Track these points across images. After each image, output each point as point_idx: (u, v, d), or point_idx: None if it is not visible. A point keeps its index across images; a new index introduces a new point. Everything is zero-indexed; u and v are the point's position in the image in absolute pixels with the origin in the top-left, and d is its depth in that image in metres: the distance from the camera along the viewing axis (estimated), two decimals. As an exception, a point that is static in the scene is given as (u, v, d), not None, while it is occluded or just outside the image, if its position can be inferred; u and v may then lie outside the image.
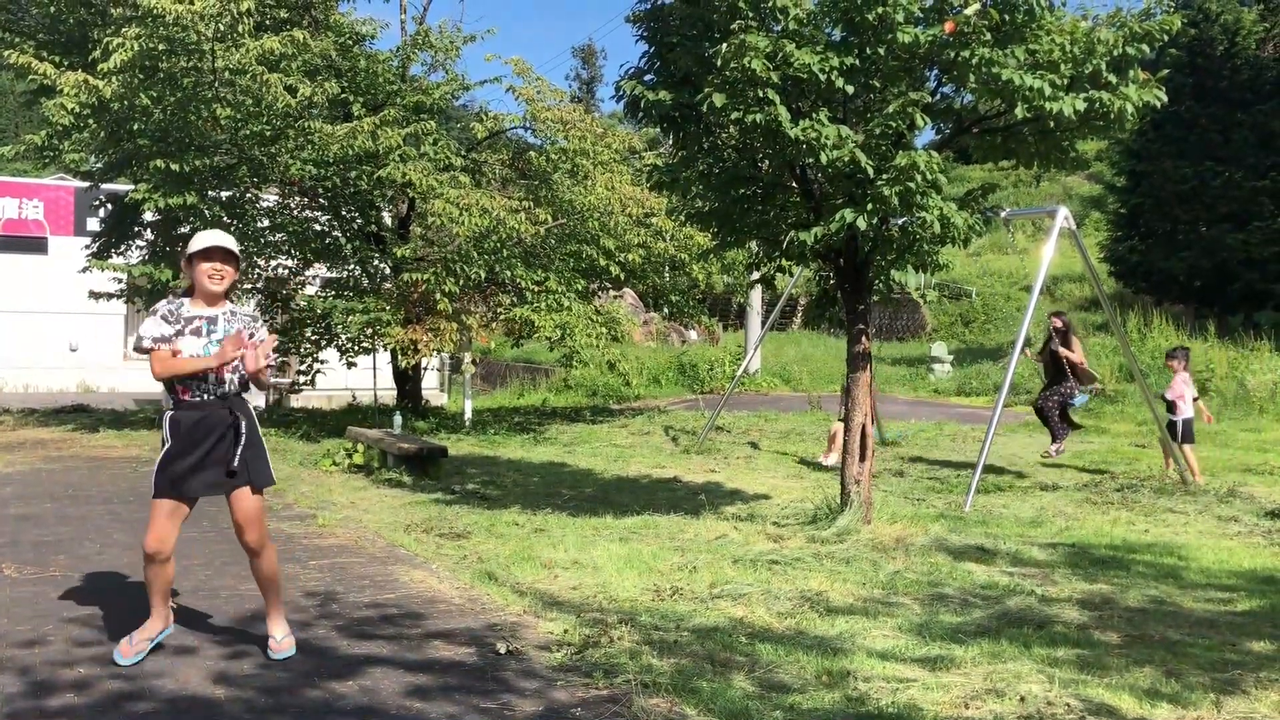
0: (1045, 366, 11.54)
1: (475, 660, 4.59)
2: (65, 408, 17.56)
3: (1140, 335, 21.63)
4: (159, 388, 4.56)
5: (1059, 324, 11.18)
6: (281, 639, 4.68)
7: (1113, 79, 6.86)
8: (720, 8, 6.85)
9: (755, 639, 4.90)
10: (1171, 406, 10.92)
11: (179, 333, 4.47)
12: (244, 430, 4.54)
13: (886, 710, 3.99)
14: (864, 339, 7.77)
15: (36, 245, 28.61)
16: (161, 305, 4.58)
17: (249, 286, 16.12)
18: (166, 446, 4.49)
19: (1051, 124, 7.01)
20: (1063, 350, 11.14)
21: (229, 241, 4.57)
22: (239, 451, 4.50)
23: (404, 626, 5.14)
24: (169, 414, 4.53)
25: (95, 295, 17.18)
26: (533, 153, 16.19)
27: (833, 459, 11.67)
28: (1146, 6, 7.12)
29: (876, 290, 7.91)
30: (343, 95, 15.03)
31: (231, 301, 4.69)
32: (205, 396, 4.50)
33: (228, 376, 4.53)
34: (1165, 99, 6.99)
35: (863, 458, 7.67)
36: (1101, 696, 4.16)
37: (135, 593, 5.62)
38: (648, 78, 7.75)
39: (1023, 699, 4.09)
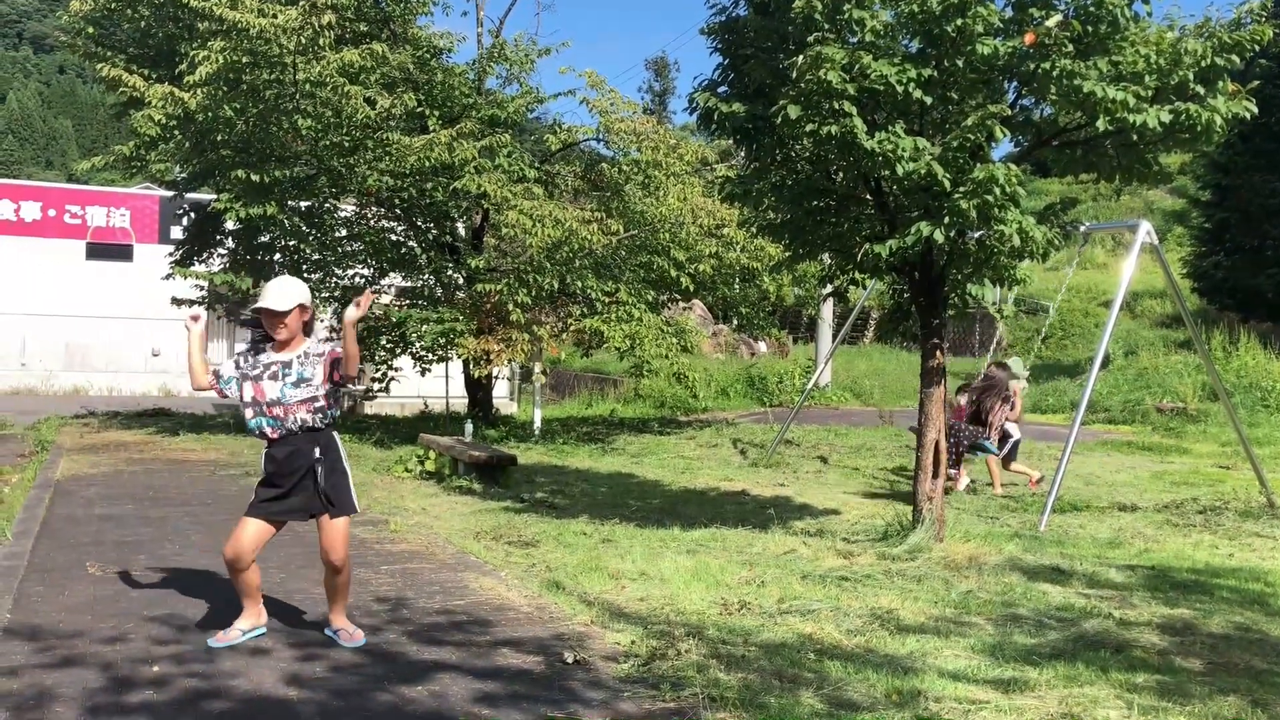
0: (968, 404, 11.23)
1: (543, 669, 4.61)
2: (147, 411, 18.04)
3: (1225, 354, 21.05)
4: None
5: (995, 372, 11.09)
6: (353, 630, 5.03)
7: (1200, 90, 6.69)
8: (796, 20, 6.81)
9: (824, 656, 4.84)
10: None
11: (257, 378, 4.86)
12: (329, 462, 4.93)
13: (958, 732, 3.92)
14: (938, 354, 7.65)
15: (123, 253, 29.47)
16: (241, 348, 5.11)
17: (326, 295, 16.41)
18: (263, 476, 4.96)
19: (1134, 137, 6.86)
20: (995, 412, 10.96)
21: (273, 300, 4.87)
22: (322, 484, 4.89)
23: (473, 633, 5.17)
24: (264, 450, 4.97)
25: (178, 302, 17.61)
26: (605, 164, 16.27)
27: (963, 483, 11.37)
28: (1236, 16, 6.92)
29: (952, 304, 7.79)
30: (419, 108, 15.25)
31: (311, 339, 5.00)
32: (288, 433, 4.88)
33: (303, 415, 4.87)
34: (1255, 111, 6.79)
35: (935, 474, 7.55)
36: (1183, 725, 4.04)
37: (213, 594, 5.75)
38: (721, 90, 7.75)
39: (1100, 725, 3.99)
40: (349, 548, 5.03)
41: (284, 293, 4.89)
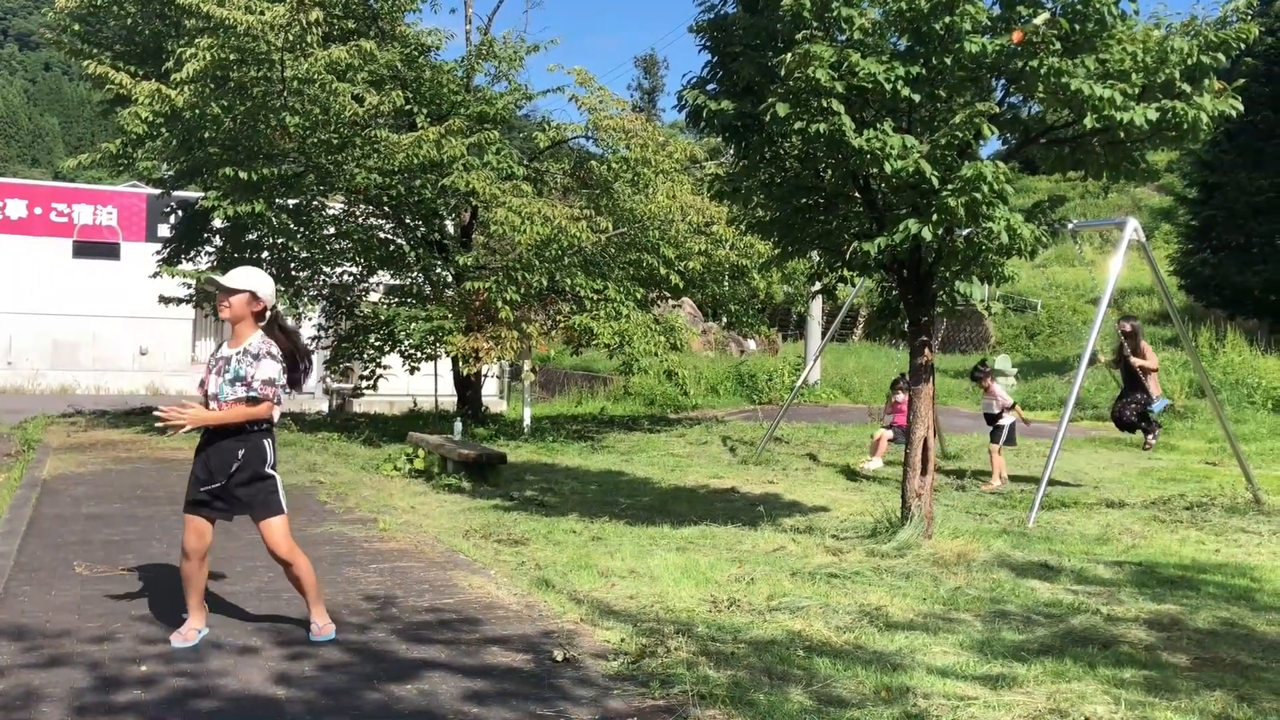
0: (1120, 375, 11.28)
1: (532, 667, 4.61)
2: (135, 409, 17.94)
3: (1212, 350, 21.13)
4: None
5: (1128, 328, 10.90)
6: (322, 625, 5.01)
7: (1187, 88, 6.72)
8: (784, 17, 6.82)
9: (813, 653, 4.85)
10: (998, 416, 11.61)
11: (209, 368, 4.96)
12: (249, 469, 4.84)
13: (947, 728, 3.93)
14: (927, 351, 7.68)
15: (110, 251, 29.36)
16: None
17: (314, 293, 16.36)
18: (193, 466, 4.95)
19: (1121, 134, 6.89)
20: (1135, 360, 10.86)
21: (225, 277, 4.92)
22: (236, 491, 4.84)
23: (462, 631, 5.17)
24: (200, 439, 4.95)
25: (165, 300, 17.58)
26: (594, 162, 16.26)
27: (872, 465, 12.05)
28: (1222, 14, 6.95)
29: (940, 302, 7.81)
30: (408, 106, 15.21)
31: (257, 336, 4.92)
32: (221, 428, 4.86)
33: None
34: (1241, 109, 6.82)
35: (924, 471, 7.57)
36: (1170, 720, 4.06)
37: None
38: (710, 87, 7.75)
39: (1088, 720, 4.00)
40: (290, 540, 4.95)
41: (240, 276, 4.92)
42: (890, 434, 12.13)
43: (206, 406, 4.88)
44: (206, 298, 17.89)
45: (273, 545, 4.89)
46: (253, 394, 4.77)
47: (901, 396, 11.73)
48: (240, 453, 4.81)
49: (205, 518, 4.86)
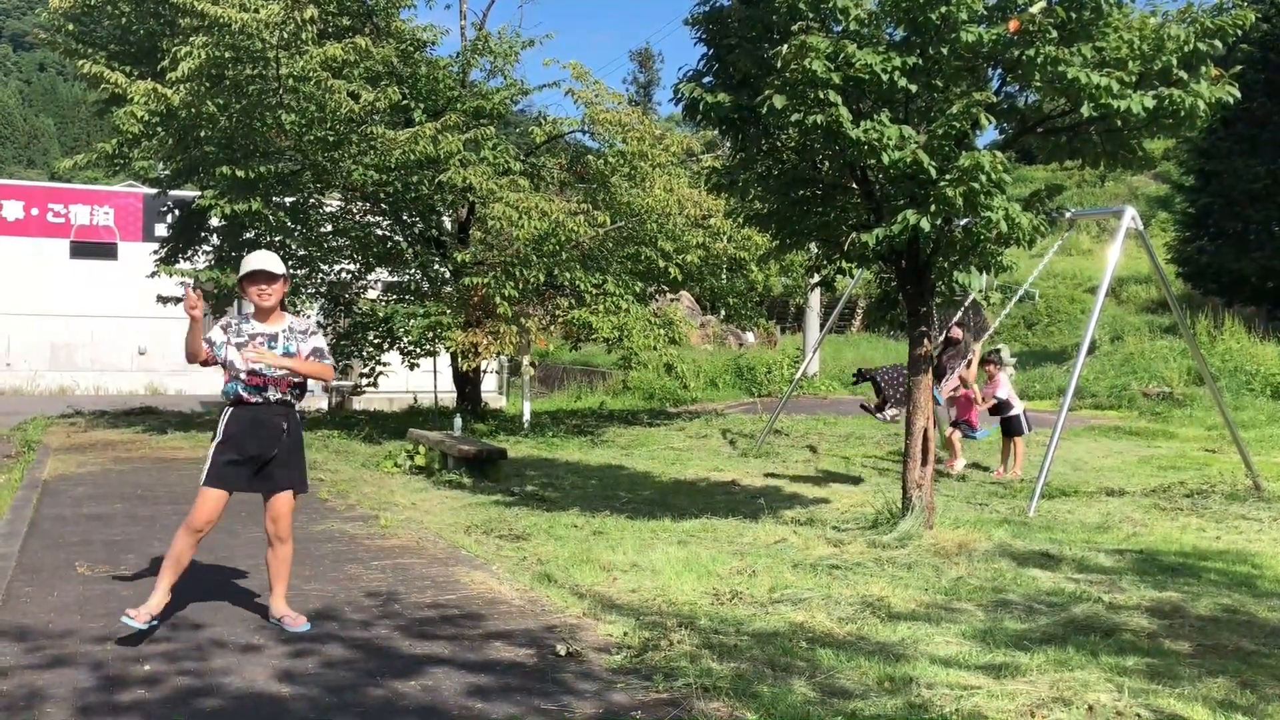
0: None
1: (535, 661, 4.61)
2: (134, 409, 17.95)
3: (1210, 338, 21.15)
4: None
5: (957, 334, 11.13)
6: (296, 615, 5.14)
7: (1184, 76, 6.71)
8: (780, 9, 6.81)
9: (815, 644, 4.85)
10: (1002, 406, 11.56)
11: (240, 346, 4.97)
12: (294, 438, 5.09)
13: (950, 718, 3.93)
14: (926, 341, 7.67)
15: (107, 251, 29.34)
16: (229, 317, 5.16)
17: (312, 290, 16.35)
18: (218, 439, 5.01)
19: (1118, 122, 6.88)
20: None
21: (268, 263, 5.06)
22: (287, 456, 5.06)
23: (464, 627, 5.17)
24: (229, 410, 5.04)
25: (163, 299, 17.54)
26: (591, 156, 16.23)
27: (959, 465, 11.77)
28: (1219, 1, 6.95)
29: (939, 292, 7.81)
30: (404, 102, 15.19)
31: (292, 314, 5.21)
32: (261, 401, 4.99)
33: (280, 389, 5.04)
34: (1238, 95, 6.81)
35: (924, 462, 7.57)
36: (1173, 707, 4.06)
37: (203, 591, 5.74)
38: (706, 80, 7.74)
39: (1091, 708, 4.00)
40: (291, 525, 5.19)
41: (276, 260, 5.09)
42: (959, 431, 11.94)
43: (244, 382, 5.00)
44: (205, 296, 17.91)
45: (285, 517, 5.09)
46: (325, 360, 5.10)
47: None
48: (285, 425, 5.04)
49: (229, 491, 5.00)
